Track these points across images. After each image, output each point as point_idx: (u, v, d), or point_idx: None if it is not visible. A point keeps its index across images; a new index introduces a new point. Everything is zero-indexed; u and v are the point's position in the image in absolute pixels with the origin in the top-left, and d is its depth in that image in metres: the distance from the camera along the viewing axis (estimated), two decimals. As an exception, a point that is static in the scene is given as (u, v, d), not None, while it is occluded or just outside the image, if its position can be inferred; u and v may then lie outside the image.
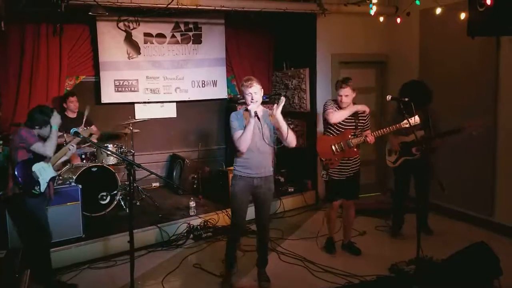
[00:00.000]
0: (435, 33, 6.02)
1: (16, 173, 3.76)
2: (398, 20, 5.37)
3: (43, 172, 3.90)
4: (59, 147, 4.20)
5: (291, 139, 3.95)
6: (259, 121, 3.84)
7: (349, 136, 4.52)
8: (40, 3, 5.05)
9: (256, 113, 3.80)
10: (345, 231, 4.96)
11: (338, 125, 4.55)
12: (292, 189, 6.70)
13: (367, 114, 4.61)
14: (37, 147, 3.80)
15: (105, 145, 6.01)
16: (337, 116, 4.51)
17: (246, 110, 3.92)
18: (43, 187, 3.89)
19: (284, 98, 3.86)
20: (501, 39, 5.14)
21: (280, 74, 7.59)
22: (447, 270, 3.88)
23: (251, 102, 3.84)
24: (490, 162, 5.37)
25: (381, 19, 5.75)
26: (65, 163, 5.57)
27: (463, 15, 4.73)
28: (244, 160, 3.97)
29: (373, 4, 5.22)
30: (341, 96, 4.47)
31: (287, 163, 7.17)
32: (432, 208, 5.78)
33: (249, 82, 3.88)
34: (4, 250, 3.76)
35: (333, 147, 4.54)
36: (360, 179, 4.79)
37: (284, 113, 7.33)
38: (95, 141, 5.70)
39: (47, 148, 3.82)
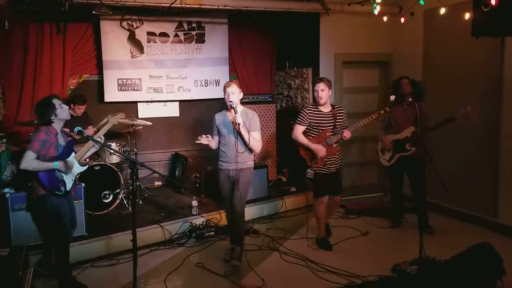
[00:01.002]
0: (439, 33, 6.00)
1: (39, 175, 3.73)
2: (402, 20, 5.35)
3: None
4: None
5: (253, 146, 4.40)
6: (239, 128, 4.27)
7: (328, 135, 4.80)
8: (44, 2, 5.06)
9: (239, 124, 4.25)
10: (326, 216, 5.24)
11: (318, 126, 4.83)
12: (294, 189, 6.69)
13: (344, 114, 4.92)
14: (27, 156, 3.66)
15: (108, 143, 6.02)
16: (296, 134, 4.88)
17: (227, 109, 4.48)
18: (68, 185, 3.89)
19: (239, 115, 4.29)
20: (506, 39, 5.11)
21: (283, 74, 7.58)
22: (450, 271, 3.87)
23: (228, 101, 4.35)
24: (494, 162, 5.35)
25: (385, 18, 5.72)
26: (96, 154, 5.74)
27: (467, 15, 4.70)
28: (222, 154, 4.51)
29: (377, 3, 5.21)
30: (317, 91, 4.78)
31: (289, 162, 7.17)
32: (435, 208, 5.81)
33: (229, 83, 4.48)
34: (7, 248, 3.77)
35: None
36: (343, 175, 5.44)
37: (288, 113, 7.38)
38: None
39: (27, 165, 3.65)
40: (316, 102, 4.84)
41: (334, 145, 4.82)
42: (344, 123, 4.89)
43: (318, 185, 4.90)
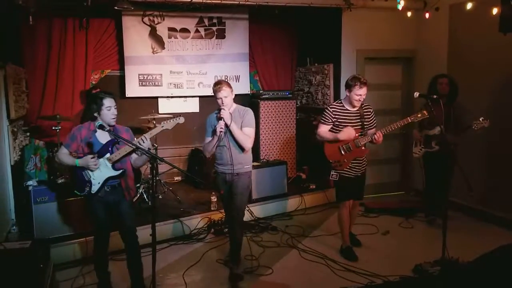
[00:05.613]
0: (465, 29, 5.84)
1: (73, 170, 3.71)
2: (427, 15, 5.25)
3: (97, 171, 3.67)
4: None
5: (241, 141, 4.04)
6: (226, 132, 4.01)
7: (356, 135, 4.40)
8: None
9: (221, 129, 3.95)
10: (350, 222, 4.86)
11: (344, 126, 4.43)
12: (314, 186, 6.63)
13: (372, 112, 4.53)
14: (60, 149, 3.74)
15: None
16: (321, 134, 4.50)
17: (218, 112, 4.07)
18: (94, 187, 3.66)
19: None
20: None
21: (303, 70, 7.52)
22: (473, 272, 3.78)
23: (222, 107, 3.99)
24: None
25: (409, 14, 5.63)
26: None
27: (495, 11, 4.59)
28: (218, 156, 4.28)
29: (401, -2, 5.12)
30: (359, 95, 4.32)
31: (309, 160, 7.11)
32: (461, 209, 5.69)
33: (218, 87, 4.00)
34: (29, 240, 3.82)
35: (340, 148, 4.44)
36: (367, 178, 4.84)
37: (308, 109, 7.33)
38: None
39: (59, 157, 3.70)
40: (348, 102, 4.45)
41: (363, 148, 4.46)
42: (372, 122, 4.52)
43: (342, 188, 4.58)
